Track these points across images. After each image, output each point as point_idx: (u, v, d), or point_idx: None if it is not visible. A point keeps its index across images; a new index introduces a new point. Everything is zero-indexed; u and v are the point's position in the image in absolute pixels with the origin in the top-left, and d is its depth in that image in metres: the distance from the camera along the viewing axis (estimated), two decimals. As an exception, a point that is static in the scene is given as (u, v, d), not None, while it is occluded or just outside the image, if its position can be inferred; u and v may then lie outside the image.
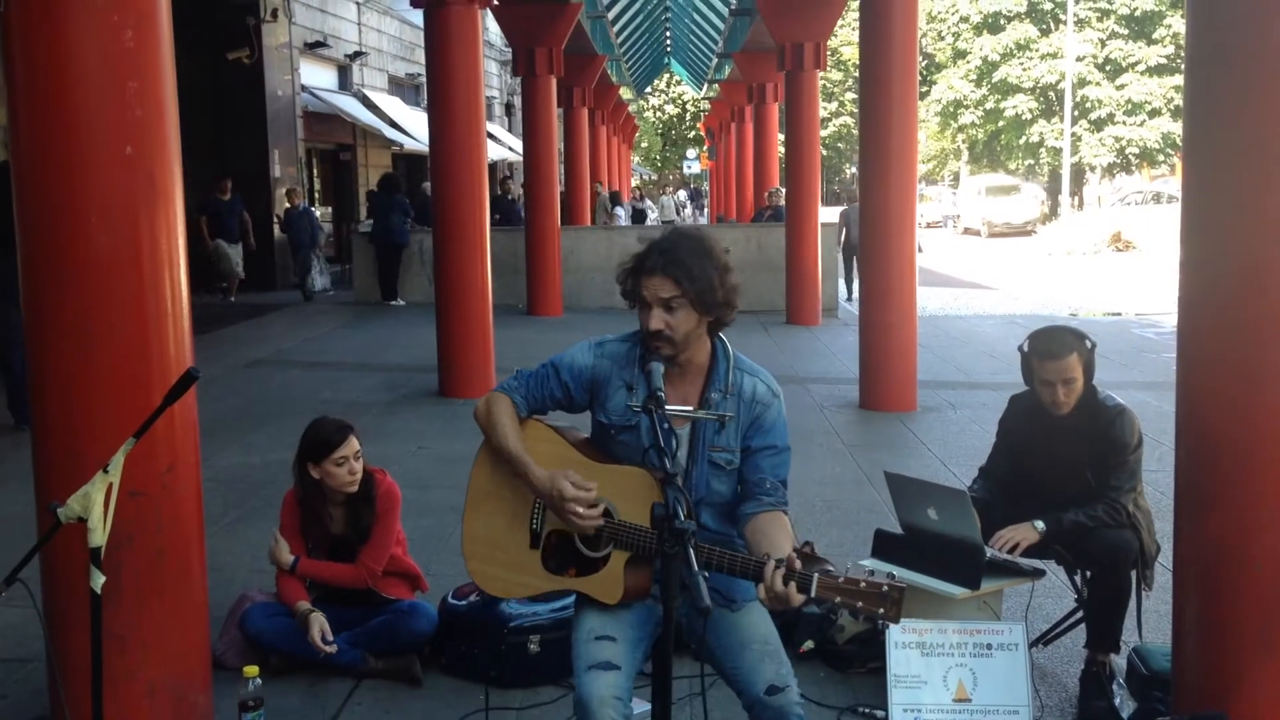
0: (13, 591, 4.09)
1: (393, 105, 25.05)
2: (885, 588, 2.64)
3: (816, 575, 2.69)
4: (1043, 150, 45.59)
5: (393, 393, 10.39)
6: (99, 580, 2.76)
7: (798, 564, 2.70)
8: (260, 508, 6.54)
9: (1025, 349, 4.29)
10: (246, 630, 4.37)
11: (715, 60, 28.57)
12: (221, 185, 17.36)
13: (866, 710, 4.12)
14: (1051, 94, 44.21)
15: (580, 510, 2.94)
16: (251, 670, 3.92)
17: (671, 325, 2.96)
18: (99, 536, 2.73)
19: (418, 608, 4.42)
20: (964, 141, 49.90)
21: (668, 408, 2.87)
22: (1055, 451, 4.29)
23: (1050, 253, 31.24)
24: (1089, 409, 4.25)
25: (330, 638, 4.28)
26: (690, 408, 3.02)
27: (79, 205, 3.55)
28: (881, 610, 2.64)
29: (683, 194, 50.51)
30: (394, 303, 17.17)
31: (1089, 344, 4.22)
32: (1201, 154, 3.60)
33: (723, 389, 3.07)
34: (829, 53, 15.92)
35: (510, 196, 22.37)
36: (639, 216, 29.53)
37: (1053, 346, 4.19)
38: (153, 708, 3.77)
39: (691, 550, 2.38)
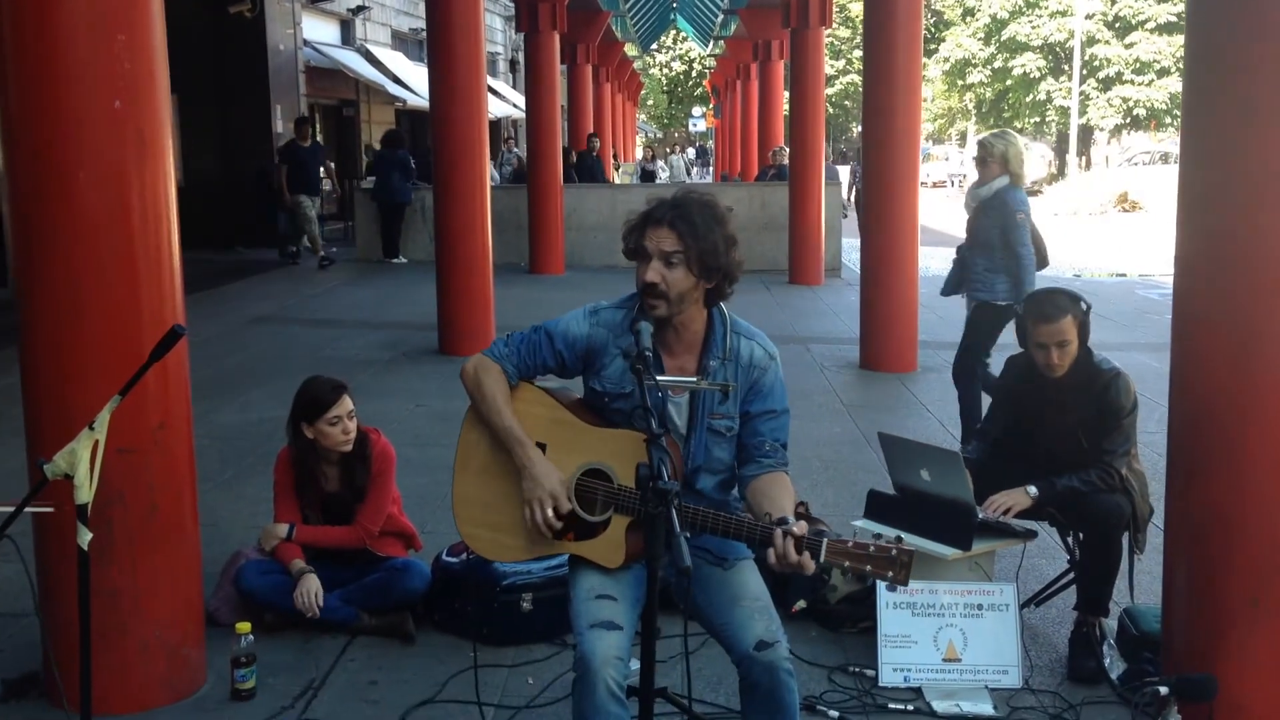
0: (6, 547, 4.12)
1: (396, 60, 24.89)
2: (894, 551, 2.67)
3: (825, 540, 2.71)
4: (1050, 109, 45.26)
5: (392, 350, 10.39)
6: (86, 537, 2.76)
7: (804, 529, 2.71)
8: (257, 465, 6.54)
9: (1020, 311, 4.27)
10: (240, 587, 4.38)
11: (721, 17, 28.31)
12: (302, 131, 16.33)
13: (857, 669, 4.13)
14: (1060, 52, 43.85)
15: (540, 519, 2.96)
16: (244, 627, 3.94)
17: (668, 281, 2.92)
18: (85, 493, 2.73)
19: (411, 565, 4.43)
20: (971, 100, 49.54)
21: (666, 378, 2.86)
22: (1050, 414, 4.28)
23: (1056, 213, 31.08)
24: (1084, 372, 4.23)
25: (320, 600, 4.29)
26: (693, 379, 3.01)
27: (67, 160, 3.53)
28: (891, 574, 2.67)
29: (691, 152, 50.23)
30: (396, 260, 17.13)
31: (1084, 306, 4.20)
32: (1198, 115, 3.55)
33: (721, 355, 3.05)
34: (836, 9, 15.79)
35: (595, 153, 22.11)
36: (647, 177, 29.32)
37: (1047, 309, 4.17)
38: (145, 662, 3.80)
39: (675, 511, 2.37)
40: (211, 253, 17.13)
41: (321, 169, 16.27)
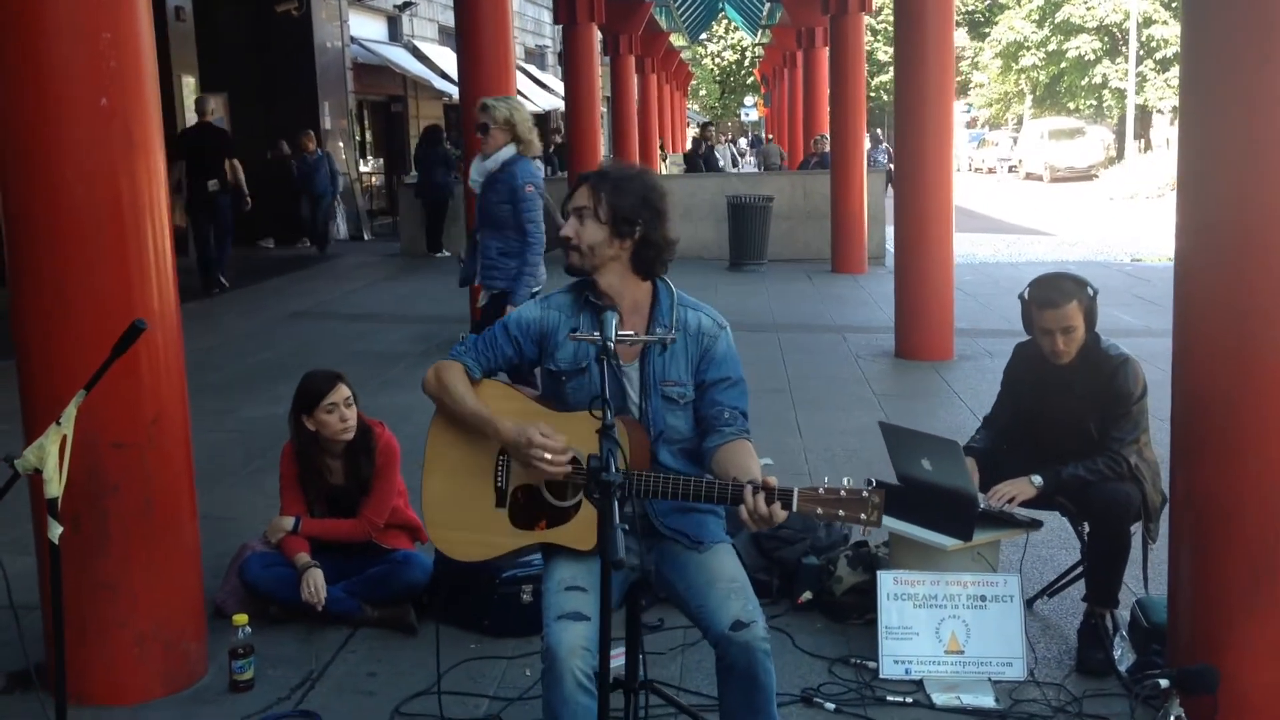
0: (24, 537, 4.18)
1: (443, 56, 24.98)
2: (865, 493, 2.65)
3: (796, 489, 2.69)
4: (1106, 92, 44.51)
5: (425, 343, 10.44)
6: (56, 531, 2.79)
7: (774, 481, 2.70)
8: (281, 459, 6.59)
9: (1025, 296, 4.18)
10: (244, 579, 4.41)
11: (767, 5, 28.16)
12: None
13: (858, 661, 4.08)
14: (1116, 33, 43.10)
15: (549, 457, 2.93)
16: (241, 619, 3.97)
17: (579, 234, 3.04)
18: (55, 487, 2.76)
19: (412, 558, 4.44)
20: (1026, 84, 48.86)
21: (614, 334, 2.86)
22: (1057, 402, 4.19)
23: (1112, 197, 30.60)
24: (1092, 359, 4.14)
25: (323, 596, 4.30)
26: (633, 332, 3.02)
27: (53, 157, 3.56)
28: (863, 516, 2.65)
29: (743, 142, 49.99)
30: (440, 254, 17.22)
31: (1090, 291, 4.10)
32: (1195, 99, 3.47)
33: (667, 325, 3.09)
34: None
35: (709, 144, 22.24)
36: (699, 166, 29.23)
37: (1052, 294, 4.08)
38: (142, 655, 3.83)
39: (616, 503, 2.35)
40: (256, 248, 17.32)
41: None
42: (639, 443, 2.96)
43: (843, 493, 2.65)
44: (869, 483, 2.78)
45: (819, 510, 2.67)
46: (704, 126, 26.92)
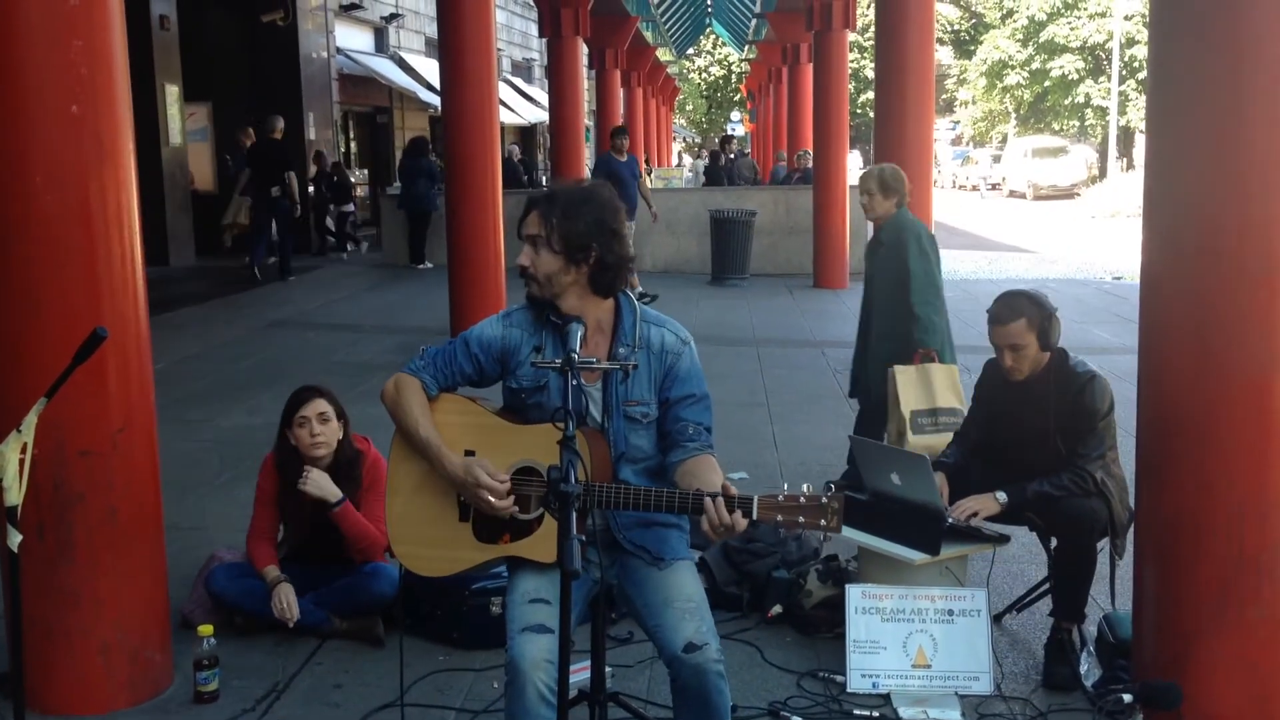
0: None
1: (429, 67, 24.99)
2: (824, 499, 2.65)
3: (756, 498, 2.69)
4: (1089, 111, 44.77)
5: (407, 354, 10.30)
6: (15, 539, 2.77)
7: (734, 490, 2.71)
8: (255, 469, 6.50)
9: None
10: (211, 590, 4.39)
11: (753, 21, 28.26)
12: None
13: (826, 674, 4.08)
14: (1100, 53, 43.37)
15: (491, 500, 2.94)
16: (206, 629, 3.95)
17: (535, 263, 3.01)
18: (14, 495, 2.74)
19: (380, 570, 4.41)
20: (1011, 103, 49.12)
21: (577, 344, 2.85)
22: (1024, 417, 4.21)
23: (1094, 215, 30.73)
24: (1059, 375, 4.16)
25: (296, 614, 4.27)
26: (594, 359, 2.98)
27: (24, 164, 3.56)
28: (823, 522, 2.65)
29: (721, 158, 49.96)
30: (421, 266, 17.20)
31: (1046, 310, 4.11)
32: (1160, 117, 3.50)
33: (630, 343, 3.07)
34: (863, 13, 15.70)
35: (730, 156, 22.34)
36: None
37: (1000, 311, 4.12)
38: (107, 665, 3.81)
39: (574, 514, 2.35)
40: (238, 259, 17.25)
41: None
42: (600, 455, 2.96)
43: (802, 499, 2.65)
44: (828, 487, 2.78)
45: (779, 517, 2.66)
46: (724, 140, 26.97)
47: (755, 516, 2.67)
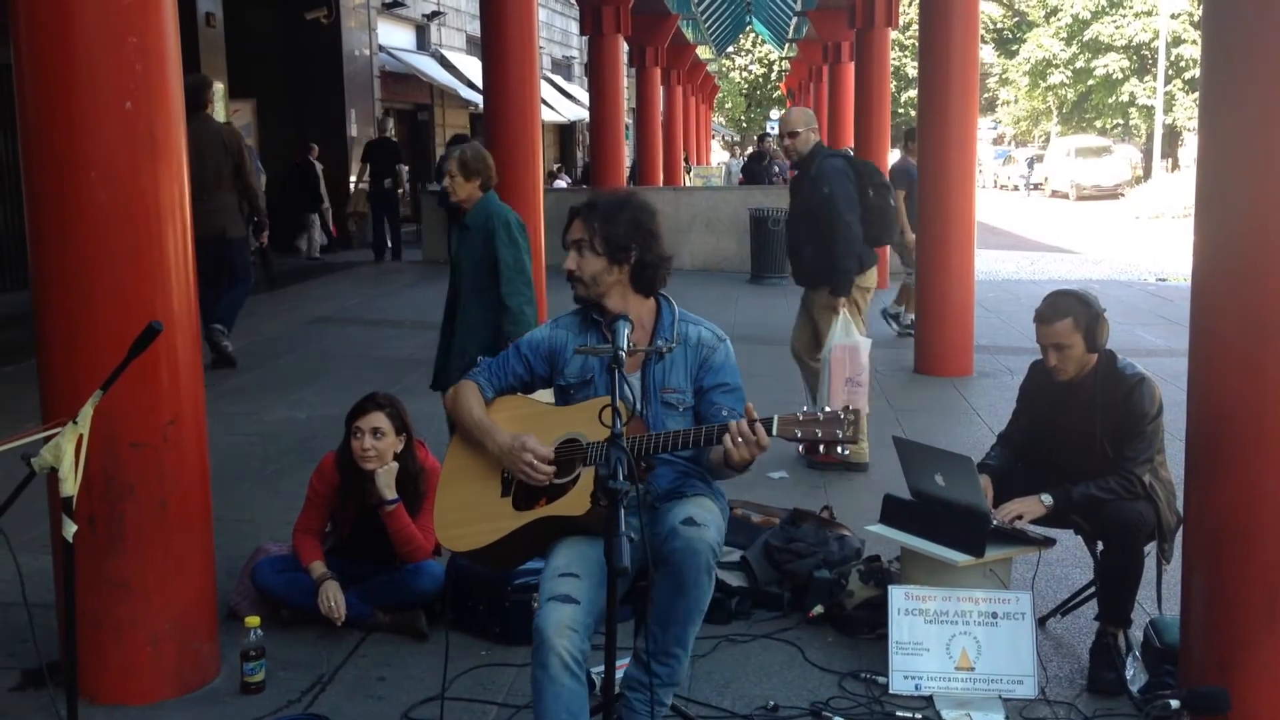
0: (44, 535, 4.20)
1: (470, 65, 25.09)
2: (840, 413, 2.86)
3: (776, 416, 2.92)
4: (1133, 110, 44.31)
5: (447, 350, 10.45)
6: (71, 529, 2.81)
7: (755, 413, 2.92)
8: (300, 462, 6.62)
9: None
10: (255, 583, 4.43)
11: (794, 19, 28.15)
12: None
13: (868, 675, 4.07)
14: (1145, 52, 42.91)
15: (534, 462, 3.11)
16: (253, 621, 3.99)
17: (580, 266, 3.28)
18: (70, 486, 2.78)
19: (423, 567, 4.42)
20: (1054, 101, 48.71)
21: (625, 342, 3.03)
22: (1070, 420, 4.18)
23: (1138, 216, 30.44)
24: (1107, 377, 4.13)
25: (343, 611, 4.30)
26: (634, 343, 3.18)
27: (79, 160, 3.60)
28: (840, 433, 2.86)
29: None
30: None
31: (1094, 310, 4.08)
32: (1215, 117, 3.46)
33: (669, 338, 3.29)
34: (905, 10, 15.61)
35: (772, 155, 22.37)
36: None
37: (1046, 310, 4.11)
38: (155, 655, 3.85)
39: (622, 511, 2.37)
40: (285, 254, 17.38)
41: None
42: (635, 422, 3.11)
43: (820, 415, 2.86)
44: (845, 406, 2.91)
45: (798, 432, 2.88)
46: (761, 138, 26.71)
47: (775, 432, 2.89)
